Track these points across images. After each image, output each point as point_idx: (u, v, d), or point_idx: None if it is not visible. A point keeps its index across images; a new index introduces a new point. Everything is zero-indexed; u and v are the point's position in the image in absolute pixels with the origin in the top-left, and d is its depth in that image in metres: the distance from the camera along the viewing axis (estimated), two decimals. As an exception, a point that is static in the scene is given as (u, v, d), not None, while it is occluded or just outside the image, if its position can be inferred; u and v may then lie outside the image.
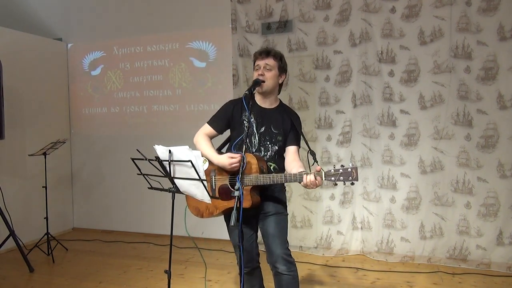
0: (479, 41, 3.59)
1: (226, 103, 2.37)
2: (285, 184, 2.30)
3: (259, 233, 2.33)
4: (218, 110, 2.36)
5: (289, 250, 2.19)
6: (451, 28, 3.66)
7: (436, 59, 3.73)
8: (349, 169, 1.88)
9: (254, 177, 2.03)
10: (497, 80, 3.56)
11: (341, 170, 1.88)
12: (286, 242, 2.19)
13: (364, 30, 3.92)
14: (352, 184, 1.90)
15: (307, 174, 1.93)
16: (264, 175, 2.03)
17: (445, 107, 3.72)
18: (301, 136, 2.26)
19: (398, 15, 3.81)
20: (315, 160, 2.06)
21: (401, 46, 3.82)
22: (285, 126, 2.24)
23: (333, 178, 1.90)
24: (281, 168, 2.23)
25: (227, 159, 2.09)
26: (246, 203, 2.02)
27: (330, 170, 1.91)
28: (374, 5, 3.88)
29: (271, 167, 2.19)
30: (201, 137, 2.31)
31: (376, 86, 3.93)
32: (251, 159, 2.06)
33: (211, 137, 2.35)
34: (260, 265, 2.39)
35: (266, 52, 2.20)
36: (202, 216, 2.28)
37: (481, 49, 3.58)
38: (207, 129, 2.33)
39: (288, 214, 2.30)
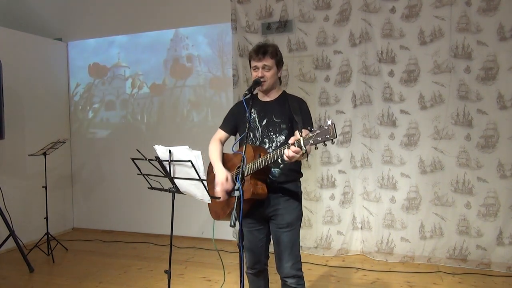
0: (479, 41, 3.59)
1: (233, 105, 2.43)
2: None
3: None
4: (227, 113, 2.41)
5: (300, 263, 2.19)
6: (451, 28, 3.66)
7: (436, 59, 3.73)
8: (326, 127, 1.73)
9: (249, 166, 2.04)
10: (497, 80, 3.56)
11: (317, 131, 1.76)
12: (297, 255, 2.19)
13: (364, 30, 3.92)
14: (332, 142, 1.75)
15: (286, 148, 1.85)
16: (257, 160, 2.01)
17: (445, 107, 3.72)
18: (305, 118, 2.15)
19: (398, 15, 3.81)
20: (300, 132, 1.91)
21: (401, 46, 3.82)
22: (287, 113, 2.18)
23: (312, 141, 1.77)
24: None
25: (221, 178, 2.10)
26: (247, 193, 1.99)
27: (308, 134, 1.80)
28: (374, 5, 3.88)
29: (279, 159, 2.16)
30: (212, 143, 2.34)
31: (376, 86, 3.93)
32: (247, 149, 2.05)
33: (224, 140, 2.38)
34: (268, 267, 2.38)
35: (262, 52, 2.15)
36: (219, 218, 2.28)
37: (481, 49, 3.58)
38: (219, 133, 2.38)
39: (301, 222, 2.27)
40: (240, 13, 4.31)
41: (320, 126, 1.76)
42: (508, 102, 3.54)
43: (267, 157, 1.98)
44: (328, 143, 1.76)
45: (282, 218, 2.17)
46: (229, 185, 2.10)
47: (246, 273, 2.29)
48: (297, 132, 1.95)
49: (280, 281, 2.24)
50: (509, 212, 3.57)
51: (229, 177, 2.11)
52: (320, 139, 1.75)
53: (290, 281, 2.16)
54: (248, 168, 2.04)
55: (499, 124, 3.57)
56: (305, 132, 2.07)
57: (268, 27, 4.22)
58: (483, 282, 3.31)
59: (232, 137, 2.44)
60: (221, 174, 2.13)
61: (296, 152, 1.82)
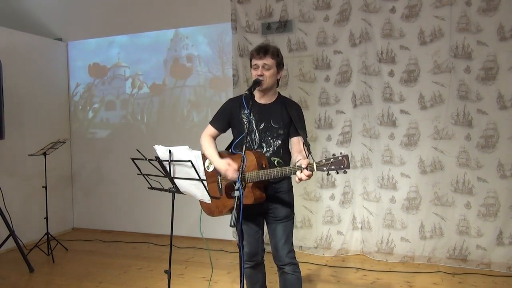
0: (479, 41, 3.59)
1: (225, 102, 2.42)
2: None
3: (265, 229, 2.38)
4: (218, 110, 2.40)
5: (293, 252, 2.30)
6: (451, 28, 3.66)
7: (436, 59, 3.73)
8: (340, 157, 1.86)
9: (254, 174, 2.05)
10: (497, 80, 3.56)
11: (332, 160, 1.87)
12: (292, 245, 2.30)
13: (364, 30, 3.92)
14: (345, 172, 1.89)
15: (300, 169, 1.92)
16: (263, 171, 2.05)
17: (445, 107, 3.72)
18: (302, 126, 2.24)
19: (398, 15, 3.81)
20: (309, 152, 2.04)
21: (401, 46, 3.82)
22: (285, 119, 2.24)
23: (324, 169, 1.89)
24: (286, 162, 2.26)
25: (225, 165, 2.11)
26: (249, 200, 2.04)
27: (321, 161, 1.90)
28: (374, 5, 3.87)
29: (275, 162, 2.20)
30: (204, 139, 2.35)
31: (376, 86, 3.93)
32: (250, 156, 2.08)
33: (215, 137, 2.38)
34: (265, 261, 2.43)
35: (264, 51, 2.18)
36: (213, 215, 2.32)
37: (481, 49, 3.58)
38: (210, 129, 2.37)
39: (294, 215, 2.38)
40: (240, 13, 4.31)
41: (334, 154, 1.87)
42: (508, 102, 3.54)
43: (274, 171, 2.02)
44: (338, 171, 1.89)
45: (280, 211, 2.27)
46: (232, 167, 2.08)
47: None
48: (303, 149, 2.07)
49: (278, 272, 2.32)
50: (509, 212, 3.57)
51: (231, 161, 2.11)
52: (333, 167, 1.87)
53: (287, 268, 2.26)
54: (251, 176, 2.06)
55: (499, 124, 3.57)
56: (297, 139, 2.22)
57: (268, 27, 4.22)
58: (483, 282, 3.31)
59: (230, 137, 2.43)
60: (222, 163, 2.13)
61: (308, 176, 1.91)
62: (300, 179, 1.93)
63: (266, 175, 2.03)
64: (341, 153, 1.86)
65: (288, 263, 2.25)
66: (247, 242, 2.30)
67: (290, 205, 2.31)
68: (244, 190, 2.00)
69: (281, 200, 2.27)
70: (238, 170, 2.03)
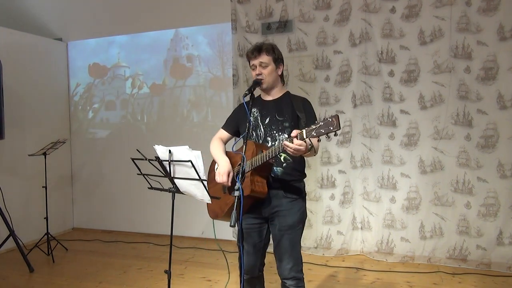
0: (479, 41, 3.59)
1: (237, 106, 2.42)
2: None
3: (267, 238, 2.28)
4: (230, 114, 2.40)
5: (300, 265, 2.15)
6: (451, 28, 3.66)
7: (436, 59, 3.73)
8: (329, 119, 1.69)
9: (250, 162, 2.01)
10: (497, 80, 3.56)
11: (320, 123, 1.72)
12: (298, 257, 2.15)
13: (364, 30, 3.92)
14: (335, 135, 1.71)
15: (290, 139, 1.81)
16: (257, 156, 1.99)
17: (445, 107, 3.72)
18: (310, 117, 2.14)
19: (398, 15, 3.81)
20: (305, 127, 1.85)
21: (401, 46, 3.82)
22: (291, 112, 2.17)
23: (314, 134, 1.73)
24: (294, 159, 2.12)
25: (221, 168, 2.08)
26: (245, 191, 1.95)
27: (310, 126, 1.77)
28: (374, 5, 3.88)
29: (281, 158, 2.12)
30: (213, 140, 2.33)
31: (376, 86, 3.93)
32: (250, 145, 2.03)
33: (226, 140, 2.36)
34: (263, 273, 2.34)
35: (257, 50, 2.15)
36: (217, 217, 2.26)
37: (481, 49, 3.58)
38: (220, 132, 2.37)
39: (303, 224, 2.21)
40: (240, 13, 4.31)
41: (324, 119, 1.72)
42: (508, 102, 3.54)
43: (267, 153, 1.95)
44: (329, 135, 1.72)
45: (285, 220, 2.12)
46: (224, 177, 2.05)
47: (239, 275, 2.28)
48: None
49: (280, 281, 2.21)
50: (509, 212, 3.57)
51: (231, 174, 2.08)
52: (323, 131, 1.70)
53: (289, 283, 2.12)
54: (248, 164, 2.01)
55: (499, 124, 3.57)
56: None
57: (268, 27, 4.22)
58: (483, 282, 3.31)
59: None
60: (222, 162, 2.11)
61: (299, 145, 1.78)
62: (291, 149, 1.80)
63: (259, 159, 1.96)
64: (331, 115, 1.72)
65: (291, 278, 2.11)
66: (244, 254, 2.18)
67: (298, 213, 2.14)
68: (243, 182, 1.97)
69: (288, 207, 2.12)
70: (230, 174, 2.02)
